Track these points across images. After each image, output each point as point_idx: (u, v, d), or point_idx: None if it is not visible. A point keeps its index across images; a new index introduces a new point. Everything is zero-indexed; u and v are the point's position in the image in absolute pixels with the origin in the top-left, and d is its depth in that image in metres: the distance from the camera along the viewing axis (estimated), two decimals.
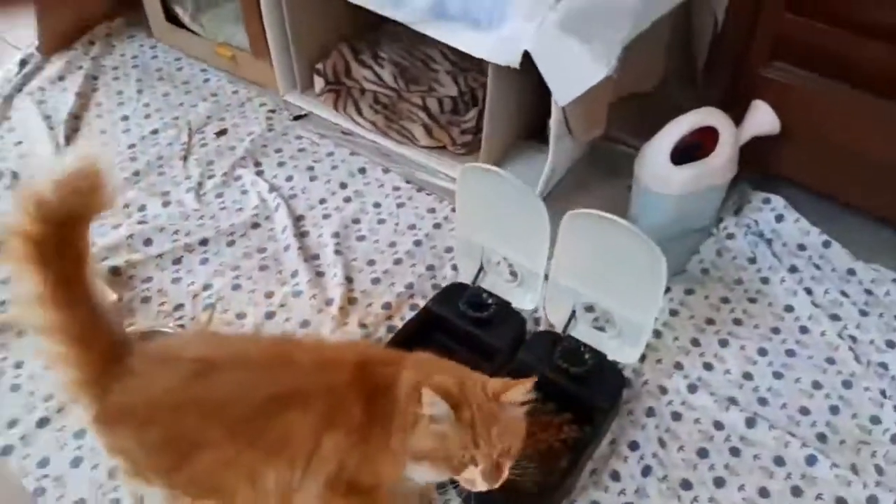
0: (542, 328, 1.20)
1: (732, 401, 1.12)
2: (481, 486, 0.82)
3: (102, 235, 1.32)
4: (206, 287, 1.27)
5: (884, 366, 1.16)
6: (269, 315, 1.23)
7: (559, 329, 1.12)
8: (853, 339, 1.20)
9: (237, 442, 0.84)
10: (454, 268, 1.29)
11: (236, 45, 1.66)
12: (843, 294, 1.27)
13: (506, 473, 0.82)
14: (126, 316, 1.20)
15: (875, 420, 1.10)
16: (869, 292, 1.27)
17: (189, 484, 0.89)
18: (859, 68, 1.22)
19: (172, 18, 1.77)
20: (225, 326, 1.20)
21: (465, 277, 1.20)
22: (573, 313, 1.12)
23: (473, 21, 1.19)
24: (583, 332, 1.12)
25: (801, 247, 1.35)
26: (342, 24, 1.59)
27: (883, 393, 1.13)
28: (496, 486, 0.82)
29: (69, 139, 1.54)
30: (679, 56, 1.52)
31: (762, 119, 1.30)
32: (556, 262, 1.09)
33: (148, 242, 1.34)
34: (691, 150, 1.26)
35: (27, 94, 1.63)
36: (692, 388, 1.13)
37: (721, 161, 1.25)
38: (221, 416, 0.84)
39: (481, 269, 1.19)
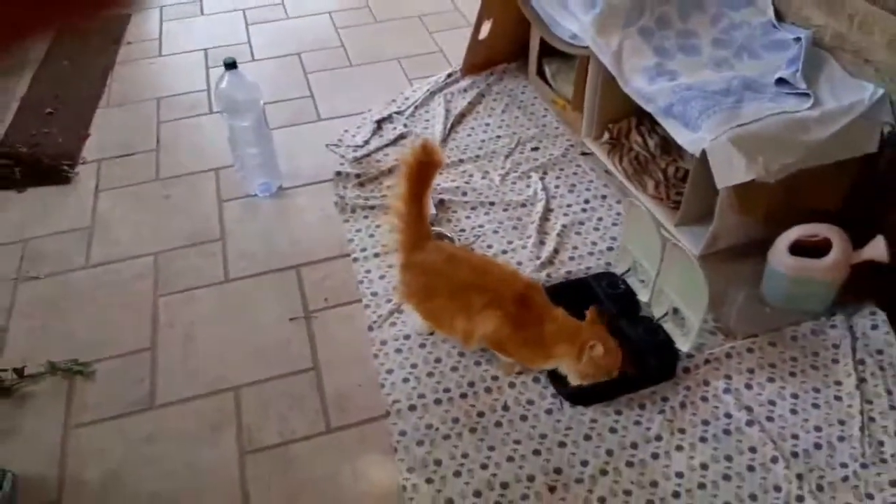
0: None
1: (749, 409, 1.65)
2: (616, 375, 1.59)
3: (443, 182, 2.32)
4: (480, 226, 2.17)
5: (881, 443, 1.57)
6: (504, 252, 2.09)
7: (657, 317, 1.78)
8: (872, 420, 1.61)
9: (451, 299, 1.70)
10: (608, 263, 2.00)
11: (566, 99, 2.55)
12: (888, 392, 1.66)
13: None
14: (436, 222, 2.17)
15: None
16: None
17: (426, 311, 1.78)
18: None
19: (541, 72, 2.72)
20: (480, 249, 2.10)
21: (618, 270, 1.91)
22: (667, 311, 1.76)
23: (686, 123, 1.88)
24: (668, 325, 1.76)
25: (879, 351, 1.75)
26: (635, 105, 2.36)
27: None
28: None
29: (452, 127, 2.58)
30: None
31: (877, 248, 1.74)
32: (662, 276, 1.75)
33: (464, 193, 2.30)
34: (813, 250, 1.78)
35: (442, 94, 2.73)
36: (726, 391, 1.68)
37: (825, 264, 1.74)
38: (450, 284, 1.70)
39: (629, 269, 1.89)
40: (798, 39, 1.99)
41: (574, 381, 1.60)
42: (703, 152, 1.79)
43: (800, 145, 1.79)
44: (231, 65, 2.07)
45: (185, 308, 1.97)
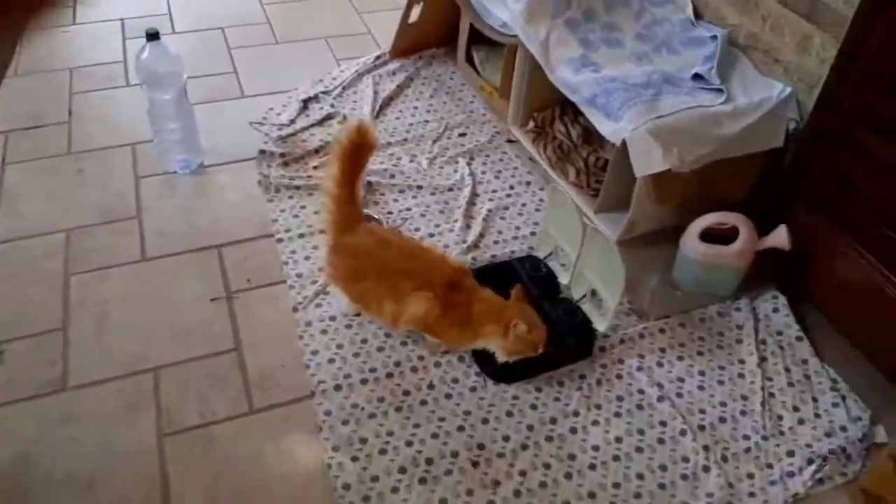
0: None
1: (660, 386, 1.74)
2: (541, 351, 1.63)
3: (371, 164, 2.31)
4: (408, 209, 2.19)
5: (780, 417, 1.69)
6: (431, 235, 2.11)
7: (576, 299, 1.85)
8: (772, 395, 1.73)
9: (379, 282, 1.70)
10: (530, 247, 2.06)
11: (494, 86, 2.58)
12: (787, 370, 1.78)
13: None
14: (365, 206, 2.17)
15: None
16: (807, 377, 1.77)
17: (354, 294, 1.76)
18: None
19: (470, 59, 2.75)
20: (407, 232, 2.11)
21: (540, 254, 1.97)
22: (586, 293, 1.83)
23: (607, 113, 1.95)
24: (586, 306, 1.83)
25: (779, 332, 1.87)
26: (560, 94, 2.42)
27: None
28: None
29: (380, 109, 2.57)
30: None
31: (779, 237, 1.85)
32: (582, 260, 1.81)
33: (392, 176, 2.30)
34: (721, 238, 1.88)
35: (370, 75, 2.71)
36: (639, 369, 1.76)
37: (734, 250, 1.85)
38: (379, 267, 1.68)
39: (551, 253, 1.95)
40: (714, 37, 2.09)
41: (502, 358, 1.65)
42: (624, 142, 1.86)
43: (713, 138, 1.89)
44: (153, 35, 2.00)
45: (98, 287, 1.90)
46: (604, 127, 1.95)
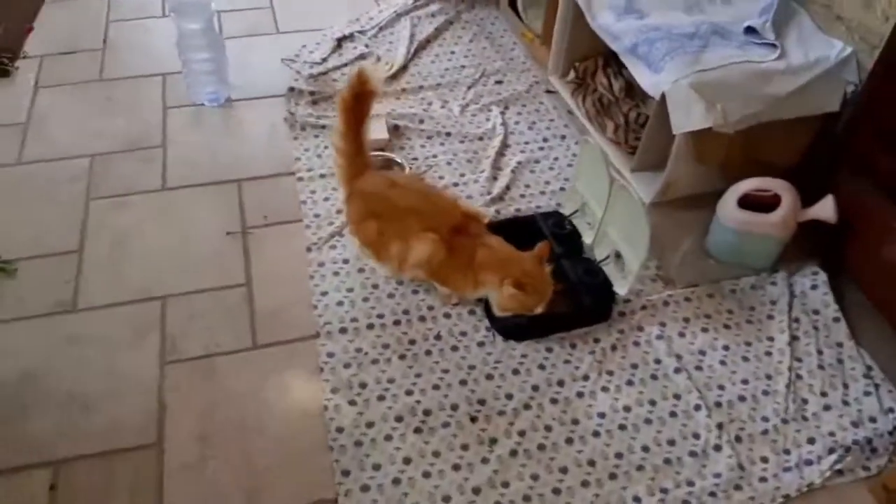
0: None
1: (679, 357, 1.65)
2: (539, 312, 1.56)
3: (400, 108, 2.24)
4: (434, 156, 2.11)
5: (805, 401, 1.58)
6: (455, 185, 2.04)
7: (598, 259, 1.76)
8: (799, 377, 1.62)
9: (388, 222, 1.63)
10: (558, 203, 1.97)
11: (536, 33, 2.46)
12: (819, 352, 1.67)
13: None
14: (389, 148, 2.10)
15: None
16: (840, 361, 1.66)
17: (364, 235, 1.70)
18: None
19: (514, 4, 2.62)
20: (431, 179, 2.04)
21: (566, 211, 1.88)
22: (610, 254, 1.74)
23: (648, 64, 1.83)
24: (609, 268, 1.74)
25: (815, 311, 1.75)
26: (604, 44, 2.28)
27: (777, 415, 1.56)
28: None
29: (416, 52, 2.48)
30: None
31: (825, 208, 1.72)
32: (608, 219, 1.72)
33: (421, 121, 2.22)
34: (761, 205, 1.75)
35: (409, 16, 2.62)
36: (659, 337, 1.68)
37: (774, 220, 1.72)
38: (388, 206, 1.62)
39: (577, 210, 1.86)
40: None
41: (495, 310, 1.58)
42: (663, 95, 1.74)
43: (762, 97, 1.75)
44: None
45: (117, 213, 1.89)
46: (644, 78, 1.83)
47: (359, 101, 1.63)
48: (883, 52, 1.62)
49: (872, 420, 1.54)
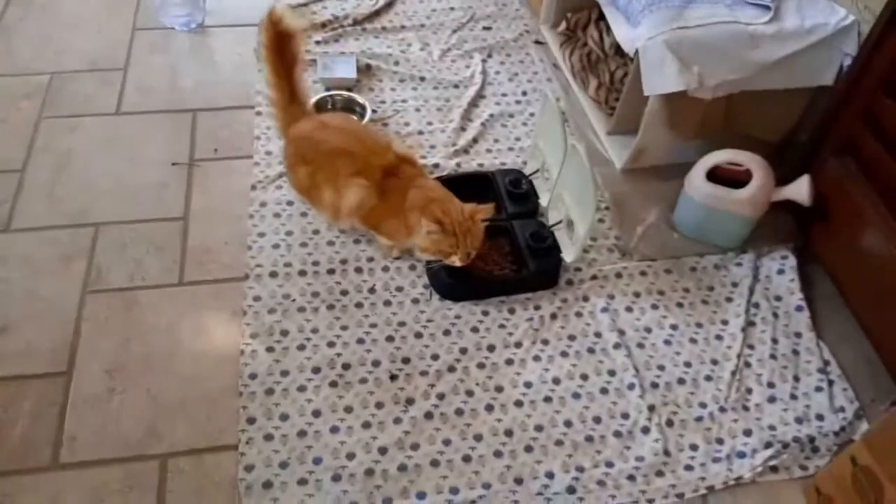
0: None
1: (621, 333, 1.56)
2: (458, 264, 1.47)
3: (376, 46, 2.13)
4: (403, 101, 2.01)
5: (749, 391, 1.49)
6: (420, 133, 1.94)
7: (550, 223, 1.66)
8: (748, 365, 1.53)
9: (319, 167, 1.54)
10: (524, 162, 1.86)
11: None
12: (773, 340, 1.57)
13: (470, 259, 1.47)
14: (357, 89, 2.00)
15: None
16: (795, 353, 1.55)
17: (298, 181, 1.62)
18: None
19: None
20: (395, 126, 1.94)
21: (527, 170, 1.78)
22: (563, 219, 1.64)
23: (628, 16, 1.69)
24: (560, 233, 1.64)
25: (778, 297, 1.64)
26: None
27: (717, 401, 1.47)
28: (465, 264, 1.48)
29: None
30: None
31: (799, 189, 1.59)
32: (562, 180, 1.61)
33: (396, 63, 2.11)
34: (733, 181, 1.63)
35: None
36: (604, 310, 1.59)
37: (743, 196, 1.61)
38: (317, 151, 1.54)
39: (538, 170, 1.75)
40: None
41: (418, 253, 1.53)
42: (637, 53, 1.61)
43: (746, 62, 1.61)
44: None
45: (66, 135, 1.84)
46: (621, 32, 1.70)
47: (280, 45, 1.53)
48: (878, 21, 1.47)
49: (819, 417, 1.45)
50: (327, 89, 1.97)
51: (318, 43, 2.13)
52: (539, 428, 1.40)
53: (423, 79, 2.07)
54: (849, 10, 1.64)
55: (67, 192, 1.71)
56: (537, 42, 2.23)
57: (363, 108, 1.92)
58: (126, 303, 1.52)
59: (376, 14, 2.25)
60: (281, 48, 1.53)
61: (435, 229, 1.42)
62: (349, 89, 1.98)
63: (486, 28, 2.26)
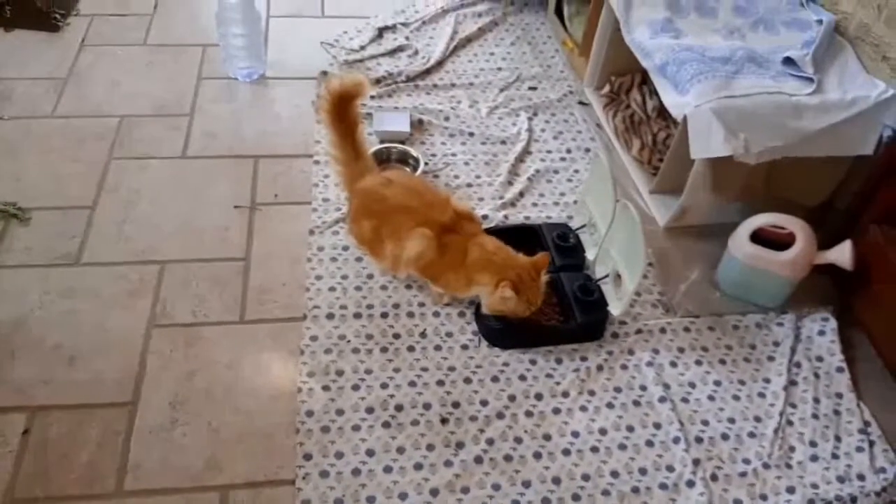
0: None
1: (666, 387, 1.60)
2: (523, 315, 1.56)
3: (428, 102, 2.23)
4: (453, 154, 2.10)
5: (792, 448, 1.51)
6: (469, 185, 2.02)
7: (598, 277, 1.72)
8: (790, 423, 1.55)
9: (382, 220, 1.62)
10: (569, 217, 1.93)
11: (577, 43, 2.42)
12: (815, 400, 1.60)
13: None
14: (409, 142, 2.10)
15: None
16: (837, 413, 1.58)
17: (360, 233, 1.69)
18: None
19: (560, 12, 2.59)
20: (446, 178, 2.03)
21: (574, 224, 1.84)
22: (610, 273, 1.70)
23: (675, 84, 1.78)
24: (607, 287, 1.70)
25: (819, 358, 1.68)
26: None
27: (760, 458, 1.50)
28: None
29: (455, 50, 2.47)
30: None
31: (842, 253, 1.64)
32: (610, 237, 1.68)
33: (446, 118, 2.21)
34: (776, 243, 1.69)
35: (455, 13, 2.60)
36: (649, 364, 1.63)
37: (787, 258, 1.66)
38: (382, 206, 1.62)
39: (585, 225, 1.82)
40: (820, 21, 1.85)
41: (484, 308, 1.60)
42: (685, 118, 1.69)
43: (789, 131, 1.68)
44: None
45: (134, 175, 1.94)
46: (669, 99, 1.78)
47: (340, 109, 1.63)
48: None
49: (861, 478, 1.47)
50: (381, 142, 2.06)
51: (372, 97, 2.23)
52: (586, 477, 1.43)
53: (471, 134, 2.16)
54: (889, 84, 1.71)
55: (135, 230, 1.79)
56: (581, 103, 2.32)
57: (416, 160, 2.01)
58: (189, 338, 1.58)
59: (427, 72, 2.36)
60: (341, 111, 1.63)
61: (511, 296, 1.49)
62: (402, 142, 2.07)
63: (532, 88, 2.36)
